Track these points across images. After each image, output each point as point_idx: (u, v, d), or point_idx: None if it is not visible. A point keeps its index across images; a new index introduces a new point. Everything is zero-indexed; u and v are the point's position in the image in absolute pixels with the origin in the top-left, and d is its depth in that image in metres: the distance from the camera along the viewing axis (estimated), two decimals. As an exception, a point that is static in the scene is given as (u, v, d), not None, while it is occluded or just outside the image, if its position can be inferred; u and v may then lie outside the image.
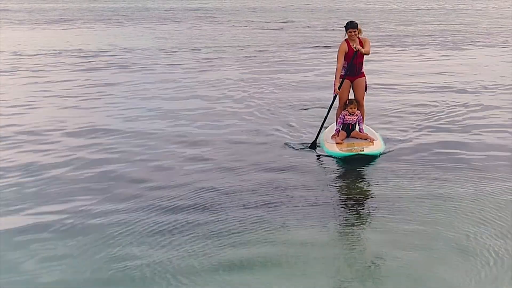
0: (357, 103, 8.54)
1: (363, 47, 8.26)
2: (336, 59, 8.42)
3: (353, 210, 6.26)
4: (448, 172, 7.27)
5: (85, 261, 5.15)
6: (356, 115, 8.50)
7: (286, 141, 8.80)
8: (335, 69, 8.43)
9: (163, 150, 8.46)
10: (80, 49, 20.76)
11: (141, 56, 19.01)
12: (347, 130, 8.54)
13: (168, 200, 6.50)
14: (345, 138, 8.46)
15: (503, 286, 4.70)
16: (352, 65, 8.34)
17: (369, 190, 6.93)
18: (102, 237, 5.59)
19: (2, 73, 15.56)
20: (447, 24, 30.00)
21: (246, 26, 30.32)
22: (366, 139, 8.40)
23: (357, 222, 5.98)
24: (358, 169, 7.61)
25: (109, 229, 5.74)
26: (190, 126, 9.86)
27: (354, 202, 6.47)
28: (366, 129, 8.73)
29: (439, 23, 30.96)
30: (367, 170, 7.61)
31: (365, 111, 8.80)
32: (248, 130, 9.58)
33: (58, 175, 7.41)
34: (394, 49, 20.32)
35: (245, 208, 6.24)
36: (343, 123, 8.53)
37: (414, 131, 9.31)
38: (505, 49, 19.97)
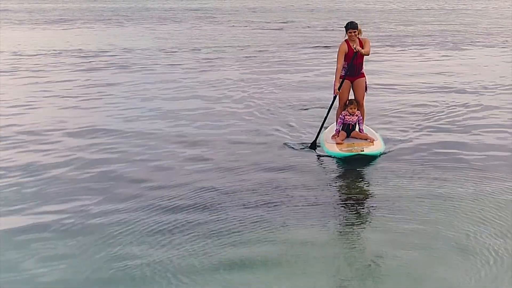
0: (357, 103, 8.55)
1: (363, 48, 8.27)
2: (336, 60, 8.43)
3: (353, 210, 6.27)
4: (448, 172, 7.28)
5: (85, 260, 5.16)
6: (356, 115, 8.51)
7: (286, 141, 8.80)
8: (335, 70, 8.44)
9: (163, 150, 8.47)
10: (80, 49, 20.77)
11: (141, 56, 19.02)
12: (347, 130, 8.54)
13: (168, 200, 6.51)
14: (345, 138, 8.47)
15: (503, 285, 4.70)
16: (352, 66, 8.34)
17: (369, 190, 6.94)
18: (102, 236, 5.60)
19: (2, 73, 15.56)
20: (447, 24, 30.00)
21: (246, 26, 30.33)
22: (366, 139, 8.40)
23: (357, 222, 5.98)
24: (358, 169, 7.61)
25: (109, 229, 5.75)
26: (190, 126, 9.86)
27: (354, 202, 6.48)
28: (366, 129, 8.74)
29: (439, 23, 30.97)
30: (367, 170, 7.61)
31: (365, 111, 8.80)
32: (248, 130, 9.58)
33: (58, 175, 7.42)
34: (394, 49, 20.32)
35: (245, 207, 6.25)
36: (343, 123, 8.53)
37: (414, 131, 9.31)
38: (505, 49, 19.98)
